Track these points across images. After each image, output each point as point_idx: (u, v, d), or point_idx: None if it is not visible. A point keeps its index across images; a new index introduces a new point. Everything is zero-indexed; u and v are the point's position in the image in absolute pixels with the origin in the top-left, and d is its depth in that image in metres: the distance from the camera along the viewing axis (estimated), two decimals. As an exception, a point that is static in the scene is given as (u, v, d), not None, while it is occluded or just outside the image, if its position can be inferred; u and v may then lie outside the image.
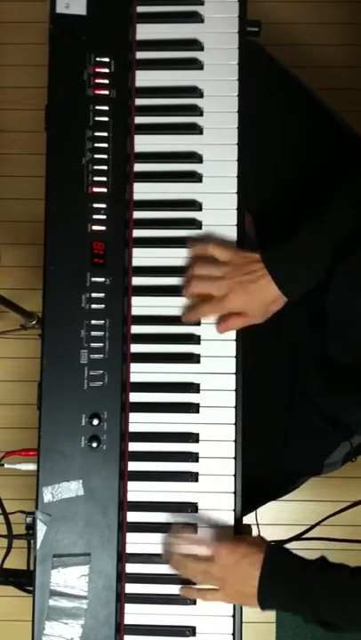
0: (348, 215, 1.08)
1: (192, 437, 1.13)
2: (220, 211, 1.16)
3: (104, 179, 1.14)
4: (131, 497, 1.12)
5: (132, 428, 1.13)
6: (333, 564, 1.05)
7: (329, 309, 1.11)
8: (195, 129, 1.18)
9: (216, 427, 1.12)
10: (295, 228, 1.09)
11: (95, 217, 1.14)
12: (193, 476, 1.12)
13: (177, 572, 1.09)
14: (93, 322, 1.12)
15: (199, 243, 1.14)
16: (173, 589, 1.11)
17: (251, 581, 1.04)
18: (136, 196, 1.17)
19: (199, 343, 1.14)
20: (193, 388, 1.13)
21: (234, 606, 1.09)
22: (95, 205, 1.14)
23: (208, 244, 1.12)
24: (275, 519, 1.91)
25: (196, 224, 1.16)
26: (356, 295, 1.07)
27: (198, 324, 1.14)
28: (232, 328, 1.12)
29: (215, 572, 1.06)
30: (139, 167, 1.17)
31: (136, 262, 1.16)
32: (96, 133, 1.15)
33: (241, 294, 1.09)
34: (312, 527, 1.23)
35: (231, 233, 1.15)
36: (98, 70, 1.16)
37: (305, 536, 1.25)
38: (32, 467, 1.21)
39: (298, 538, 1.24)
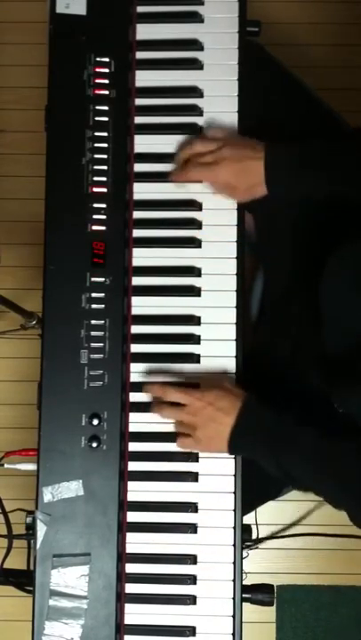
0: (355, 164, 1.12)
1: (192, 437, 1.13)
2: (220, 211, 1.16)
3: (104, 179, 1.14)
4: (131, 497, 1.12)
5: (132, 427, 1.13)
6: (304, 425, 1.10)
7: (326, 304, 1.11)
8: (195, 129, 1.18)
9: (216, 427, 1.12)
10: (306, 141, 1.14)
11: (95, 217, 1.14)
12: (193, 476, 1.12)
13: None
14: (93, 322, 1.12)
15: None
16: (173, 589, 1.11)
17: (223, 430, 1.09)
18: (136, 196, 1.17)
19: (199, 343, 1.14)
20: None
21: (234, 606, 1.09)
22: (95, 205, 1.14)
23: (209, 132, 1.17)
24: (275, 519, 1.91)
25: (196, 224, 1.16)
26: (352, 289, 1.07)
27: (198, 323, 1.14)
28: (217, 192, 1.15)
29: (190, 419, 1.10)
30: (139, 167, 1.17)
31: (136, 262, 1.16)
32: (96, 133, 1.15)
33: (233, 165, 1.12)
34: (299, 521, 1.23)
35: (231, 233, 1.16)
36: (98, 70, 1.16)
37: (303, 533, 1.25)
38: (32, 467, 1.21)
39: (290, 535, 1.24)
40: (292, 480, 1.12)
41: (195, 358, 1.14)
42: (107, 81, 1.16)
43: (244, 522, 1.12)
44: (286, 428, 1.09)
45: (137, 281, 1.16)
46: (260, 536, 1.38)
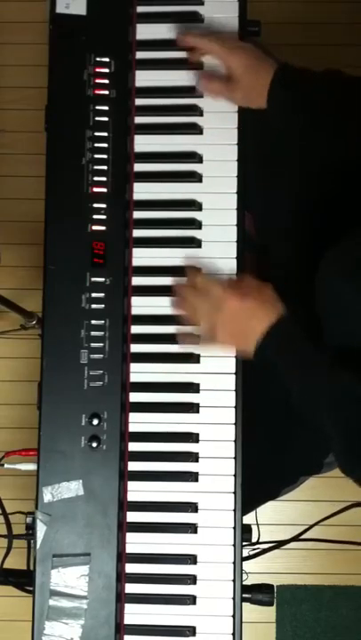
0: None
1: (192, 437, 1.13)
2: (220, 211, 1.16)
3: (104, 179, 1.14)
4: (131, 497, 1.12)
5: (132, 428, 1.13)
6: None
7: (324, 303, 1.11)
8: (195, 129, 1.18)
9: (216, 427, 1.13)
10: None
11: (95, 217, 1.14)
12: (193, 476, 1.12)
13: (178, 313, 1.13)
14: (93, 322, 1.12)
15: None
16: (173, 589, 1.11)
17: (252, 335, 1.07)
18: (136, 196, 1.17)
19: (199, 343, 1.14)
20: (193, 388, 1.13)
21: (234, 606, 1.09)
22: (95, 205, 1.14)
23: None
24: (275, 519, 1.91)
25: (196, 224, 1.16)
26: (351, 289, 1.07)
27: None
28: (213, 91, 1.16)
29: (221, 317, 1.09)
30: (139, 167, 1.17)
31: (136, 262, 1.16)
32: (96, 133, 1.15)
33: (245, 59, 1.13)
34: (310, 527, 1.23)
35: (231, 233, 1.16)
36: (98, 70, 1.16)
37: (303, 537, 1.25)
38: (32, 467, 1.22)
39: (296, 539, 1.24)
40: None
41: (195, 358, 1.14)
42: (107, 81, 1.16)
43: (244, 522, 1.12)
44: (312, 357, 1.07)
45: (137, 281, 1.16)
46: (260, 539, 1.38)
